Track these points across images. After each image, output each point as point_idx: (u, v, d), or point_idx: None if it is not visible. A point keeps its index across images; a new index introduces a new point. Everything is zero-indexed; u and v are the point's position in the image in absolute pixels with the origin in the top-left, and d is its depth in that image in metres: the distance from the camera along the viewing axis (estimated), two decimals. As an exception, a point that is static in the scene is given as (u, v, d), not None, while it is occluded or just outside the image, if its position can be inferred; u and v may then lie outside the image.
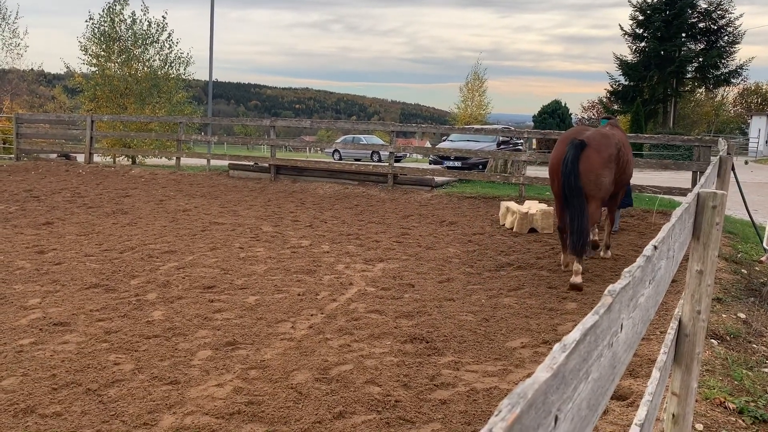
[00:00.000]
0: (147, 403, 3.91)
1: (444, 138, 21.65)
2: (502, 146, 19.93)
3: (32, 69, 32.06)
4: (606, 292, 1.14)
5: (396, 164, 15.05)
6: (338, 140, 37.15)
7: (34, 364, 4.47)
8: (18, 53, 29.29)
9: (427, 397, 4.03)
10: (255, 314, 5.61)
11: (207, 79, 24.40)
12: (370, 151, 33.96)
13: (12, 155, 19.61)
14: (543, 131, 18.56)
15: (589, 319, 1.00)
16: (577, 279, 6.61)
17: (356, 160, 32.33)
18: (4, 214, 10.65)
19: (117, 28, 23.79)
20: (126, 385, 4.17)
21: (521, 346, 4.98)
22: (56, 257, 7.62)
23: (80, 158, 18.93)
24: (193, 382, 4.23)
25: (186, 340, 4.98)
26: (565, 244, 7.42)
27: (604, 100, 46.23)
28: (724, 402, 3.94)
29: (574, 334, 0.94)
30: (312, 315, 5.63)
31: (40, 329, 5.18)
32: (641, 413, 2.26)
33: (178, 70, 24.86)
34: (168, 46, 24.53)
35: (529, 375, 4.39)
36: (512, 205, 10.24)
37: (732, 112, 55.69)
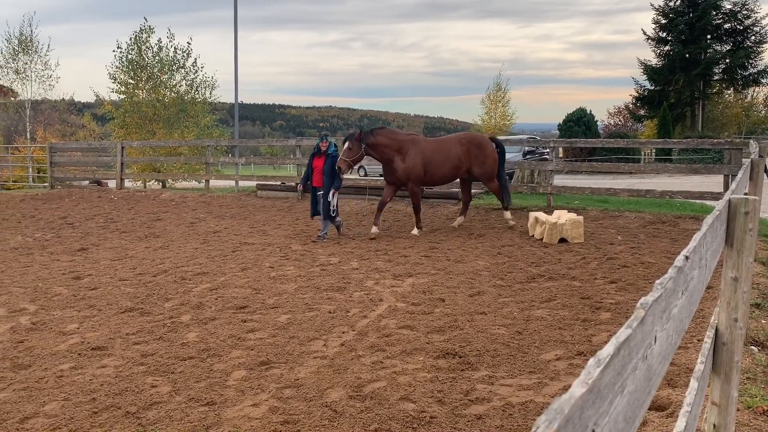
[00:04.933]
0: (185, 424, 3.96)
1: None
2: (528, 156, 19.83)
3: (63, 99, 32.88)
4: (638, 305, 1.14)
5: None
6: (363, 156, 37.24)
7: (74, 389, 4.57)
8: (50, 84, 30.11)
9: (462, 413, 4.02)
10: (287, 333, 5.66)
11: (233, 101, 24.79)
12: (396, 167, 33.97)
13: (46, 184, 20.11)
14: (569, 140, 18.41)
15: (622, 333, 1.01)
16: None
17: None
18: (41, 242, 10.91)
19: (144, 56, 24.36)
20: (164, 407, 4.23)
21: (556, 358, 4.94)
22: (92, 282, 7.78)
23: (112, 184, 19.33)
24: (229, 402, 4.27)
25: (221, 361, 5.03)
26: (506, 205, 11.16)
27: (630, 105, 45.75)
28: None
29: (608, 349, 0.95)
30: (343, 332, 5.65)
31: (79, 354, 5.29)
32: (680, 424, 2.23)
33: (204, 94, 25.34)
34: (194, 71, 25.03)
35: (564, 388, 4.34)
36: (541, 215, 10.18)
37: (763, 112, 54.61)
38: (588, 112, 37.12)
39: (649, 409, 3.90)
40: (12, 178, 23.61)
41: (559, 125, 37.98)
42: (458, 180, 11.34)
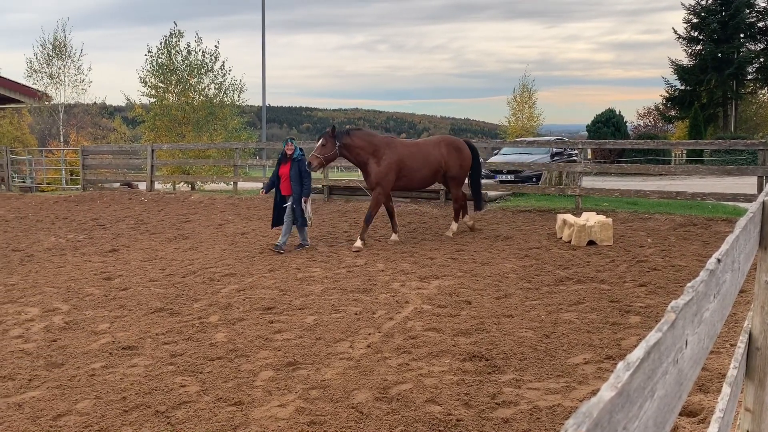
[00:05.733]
0: (213, 424, 4.01)
1: (495, 152, 21.45)
2: (555, 158, 19.61)
3: (95, 102, 33.52)
4: (669, 308, 1.13)
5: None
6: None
7: (105, 387, 4.65)
8: (82, 88, 30.70)
9: (489, 416, 3.99)
10: (314, 334, 5.69)
11: (260, 104, 25.02)
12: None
13: (79, 186, 20.51)
14: (598, 141, 18.20)
15: (652, 337, 1.00)
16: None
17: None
18: (73, 243, 11.13)
19: (174, 60, 24.71)
20: (192, 406, 4.28)
21: (584, 362, 4.88)
22: (123, 283, 7.92)
23: (142, 186, 19.64)
24: (257, 402, 4.31)
25: (248, 361, 5.08)
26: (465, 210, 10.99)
27: (660, 106, 45.05)
28: (803, 417, 3.76)
29: (638, 352, 0.94)
30: (369, 334, 5.66)
31: (110, 353, 5.39)
32: (712, 430, 2.19)
33: (232, 97, 25.60)
34: (222, 74, 25.32)
35: (593, 392, 4.29)
36: (569, 217, 10.07)
37: (798, 112, 53.25)
38: (617, 113, 36.63)
39: (680, 414, 3.84)
40: (46, 181, 24.13)
41: (587, 126, 37.54)
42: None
